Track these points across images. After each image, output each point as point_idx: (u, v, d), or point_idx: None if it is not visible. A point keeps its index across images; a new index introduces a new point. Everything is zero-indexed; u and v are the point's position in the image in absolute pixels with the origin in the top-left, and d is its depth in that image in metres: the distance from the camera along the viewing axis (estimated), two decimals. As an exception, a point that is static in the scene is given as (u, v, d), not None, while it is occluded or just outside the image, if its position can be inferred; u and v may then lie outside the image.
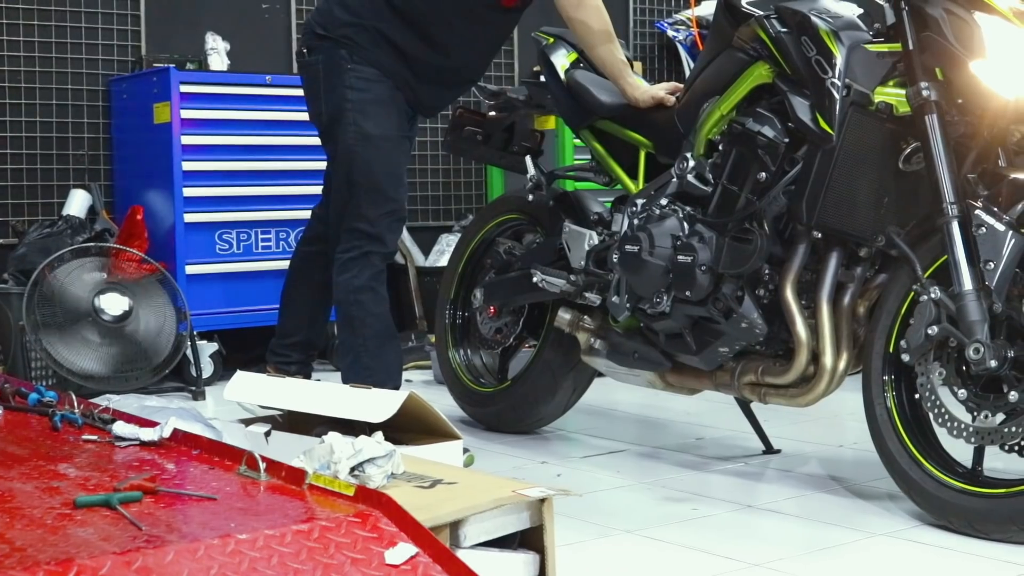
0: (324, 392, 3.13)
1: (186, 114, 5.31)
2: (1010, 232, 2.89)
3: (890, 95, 3.15)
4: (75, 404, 2.84)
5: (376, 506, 2.01)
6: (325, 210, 4.17)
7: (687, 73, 6.45)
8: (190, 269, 5.32)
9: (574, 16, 3.87)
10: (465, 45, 3.91)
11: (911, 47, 3.09)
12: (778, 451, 3.85)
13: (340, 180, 3.89)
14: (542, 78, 4.20)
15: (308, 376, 4.25)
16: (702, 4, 6.95)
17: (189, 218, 5.32)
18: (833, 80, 3.13)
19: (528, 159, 4.23)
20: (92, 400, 3.07)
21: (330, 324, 5.69)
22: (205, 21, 5.89)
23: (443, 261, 5.78)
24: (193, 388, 5.07)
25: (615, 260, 3.64)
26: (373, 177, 3.83)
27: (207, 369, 5.20)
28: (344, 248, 3.87)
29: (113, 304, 4.91)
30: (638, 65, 7.15)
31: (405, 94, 3.90)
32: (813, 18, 3.21)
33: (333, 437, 2.36)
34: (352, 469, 2.30)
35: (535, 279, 3.93)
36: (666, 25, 7.26)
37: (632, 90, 3.87)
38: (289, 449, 2.67)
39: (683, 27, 7.18)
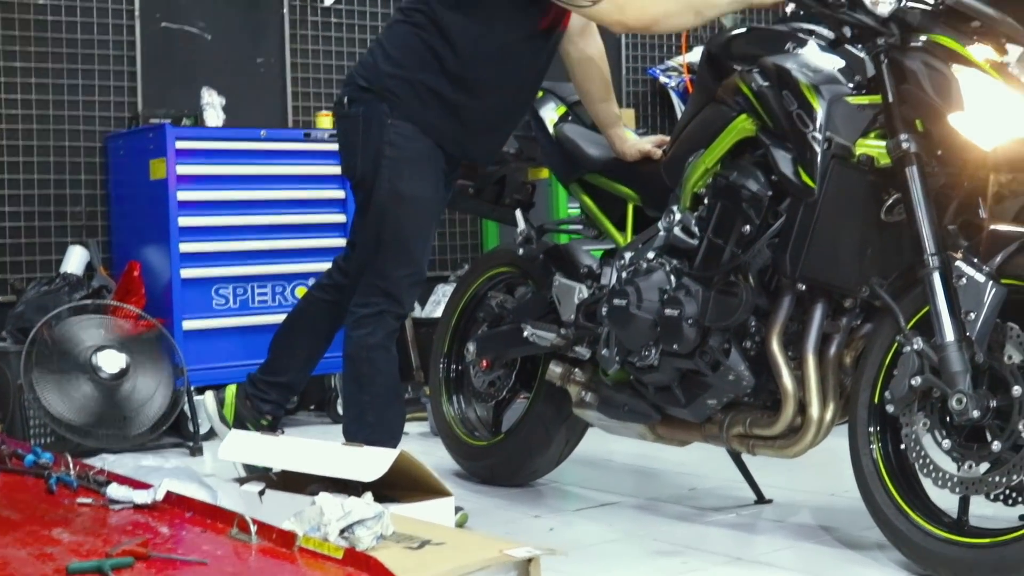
0: (316, 451, 3.17)
1: (182, 170, 5.35)
2: (990, 283, 2.93)
3: (871, 147, 3.19)
4: (71, 466, 2.88)
5: (364, 569, 2.05)
6: (348, 262, 4.09)
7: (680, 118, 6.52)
8: (187, 324, 5.36)
9: (580, 68, 3.96)
10: (513, 84, 3.84)
11: (891, 99, 3.13)
12: (769, 501, 3.88)
13: (368, 235, 3.83)
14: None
15: (279, 418, 4.20)
16: (693, 50, 7.02)
17: (186, 274, 5.36)
18: (814, 134, 3.17)
19: (518, 213, 4.27)
20: (88, 460, 3.10)
21: (327, 377, 5.79)
22: (201, 76, 5.94)
23: (439, 312, 5.80)
24: (191, 444, 5.10)
25: (604, 313, 3.68)
26: (402, 237, 3.77)
27: (204, 425, 5.22)
28: (361, 303, 3.81)
29: (110, 362, 4.94)
30: (631, 112, 7.22)
31: (450, 150, 3.83)
32: (794, 72, 3.25)
33: (323, 499, 2.40)
34: (342, 531, 2.33)
35: (525, 333, 3.96)
36: (658, 71, 7.33)
37: (620, 143, 3.93)
38: (282, 509, 2.70)
39: (675, 73, 7.25)
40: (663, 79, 7.29)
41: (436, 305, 6.23)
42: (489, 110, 3.82)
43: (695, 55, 6.96)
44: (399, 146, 3.73)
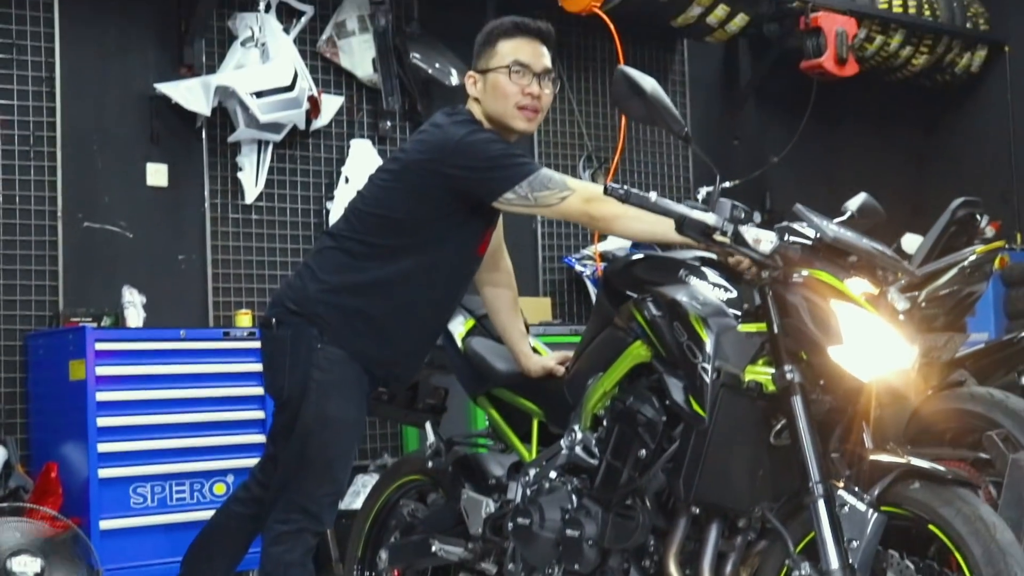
0: None
1: (101, 371, 5.42)
2: (871, 511, 3.07)
3: (760, 374, 3.32)
4: None
5: None
6: (266, 474, 4.13)
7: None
8: (104, 524, 5.38)
9: (490, 286, 4.12)
10: (442, 306, 3.97)
11: (776, 331, 3.29)
12: None
13: (292, 454, 3.87)
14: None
15: None
16: (607, 239, 7.24)
17: (104, 473, 5.39)
18: (704, 364, 3.31)
19: (428, 425, 4.37)
20: None
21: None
22: (122, 274, 6.06)
23: (358, 503, 5.86)
24: (106, 649, 5.11)
25: (509, 530, 3.77)
26: (326, 458, 3.83)
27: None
28: (281, 519, 3.85)
29: (25, 566, 4.95)
30: (547, 300, 7.40)
31: (378, 373, 3.92)
32: (684, 304, 3.39)
33: None
34: None
35: (433, 548, 4.05)
36: (573, 260, 7.53)
37: (525, 360, 4.06)
38: None
39: (589, 262, 7.46)
40: (578, 267, 7.50)
41: (356, 496, 6.27)
42: (418, 332, 3.94)
43: (608, 244, 7.19)
44: (327, 370, 3.80)
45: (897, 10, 8.68)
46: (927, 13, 8.87)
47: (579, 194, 3.63)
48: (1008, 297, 8.74)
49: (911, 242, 7.54)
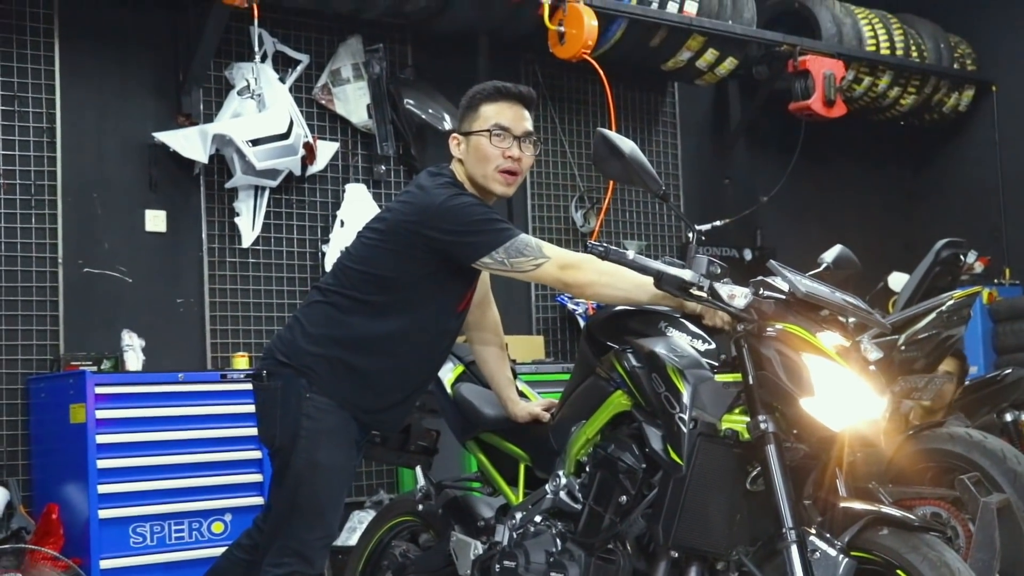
0: None
1: (101, 414, 5.55)
2: (841, 556, 3.18)
3: (736, 422, 3.43)
4: None
5: None
6: (267, 522, 4.22)
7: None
8: (104, 564, 5.49)
9: (477, 334, 4.25)
10: (428, 359, 4.07)
11: (750, 382, 3.40)
12: None
13: (283, 500, 3.98)
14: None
15: None
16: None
17: (104, 514, 5.51)
18: (681, 415, 3.42)
19: (418, 469, 4.48)
20: None
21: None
22: (122, 317, 6.19)
23: (354, 539, 5.96)
24: None
25: (496, 573, 3.88)
26: (316, 504, 3.93)
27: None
28: (274, 562, 3.95)
29: (27, 607, 5.08)
30: (540, 339, 7.52)
31: (365, 421, 4.02)
32: (662, 356, 3.51)
33: None
34: None
35: (423, 593, 4.17)
36: (566, 299, 7.66)
37: (512, 406, 4.18)
38: None
39: (583, 301, 7.57)
40: (571, 306, 7.63)
41: (352, 532, 6.38)
42: (405, 383, 4.05)
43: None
44: (316, 419, 3.91)
45: (884, 51, 8.83)
46: (915, 54, 9.02)
47: (554, 261, 3.74)
48: (996, 332, 8.87)
49: (897, 280, 7.68)
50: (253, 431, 5.84)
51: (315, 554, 3.96)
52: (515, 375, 4.36)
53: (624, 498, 3.59)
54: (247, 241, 6.66)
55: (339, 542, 6.38)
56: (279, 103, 6.56)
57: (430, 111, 7.10)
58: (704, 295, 3.43)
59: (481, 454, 4.30)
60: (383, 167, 7.16)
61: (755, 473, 3.44)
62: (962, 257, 5.58)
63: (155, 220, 6.44)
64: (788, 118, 8.41)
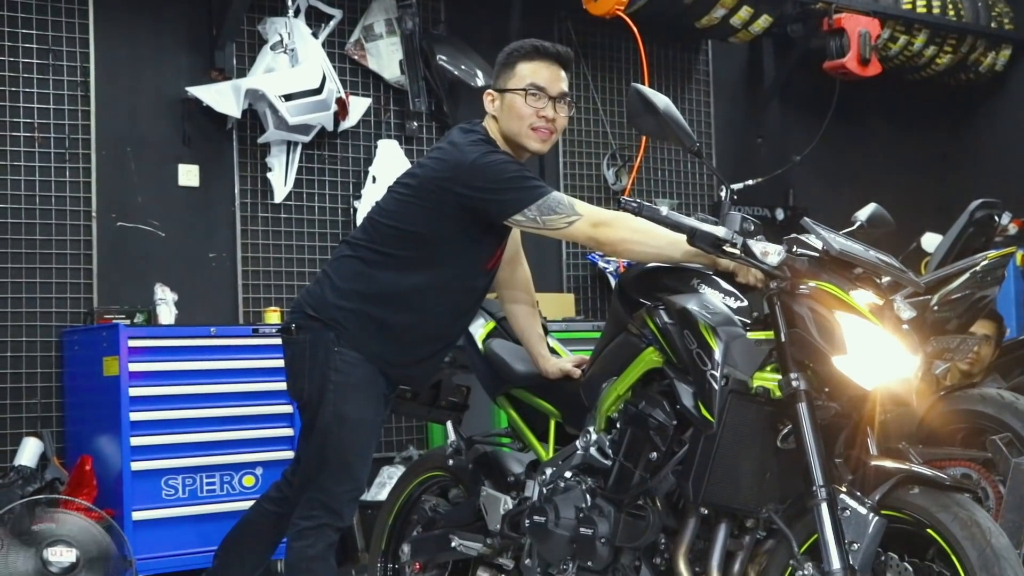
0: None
1: (134, 367, 5.58)
2: (871, 515, 3.18)
3: (767, 379, 3.44)
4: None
5: None
6: (296, 475, 4.28)
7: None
8: (137, 515, 5.54)
9: (508, 291, 4.26)
10: (456, 314, 4.09)
11: (782, 340, 3.40)
12: None
13: (312, 453, 4.03)
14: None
15: None
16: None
17: (136, 466, 5.55)
18: (712, 372, 3.42)
19: (449, 424, 4.51)
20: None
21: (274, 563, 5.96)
22: (154, 272, 6.21)
23: (384, 494, 6.00)
24: (138, 637, 5.27)
25: (526, 527, 3.91)
26: (344, 457, 3.97)
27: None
28: (303, 515, 4.00)
29: (60, 556, 5.11)
30: (571, 296, 7.52)
31: (393, 376, 4.06)
32: (694, 312, 3.50)
33: None
34: None
35: (453, 543, 4.19)
36: (597, 257, 7.64)
37: (543, 362, 4.19)
38: None
39: (613, 259, 7.56)
40: (602, 264, 7.61)
41: (381, 487, 6.41)
42: (433, 338, 4.07)
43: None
44: (344, 372, 3.95)
45: (921, 10, 8.74)
46: (951, 13, 8.92)
47: (586, 219, 3.74)
48: (1031, 294, 8.81)
49: (931, 241, 7.63)
50: (284, 385, 5.84)
51: (343, 507, 4.00)
52: (546, 332, 4.37)
53: (654, 455, 3.60)
54: (279, 196, 6.67)
55: (369, 497, 6.43)
56: (312, 58, 6.55)
57: (463, 67, 7.08)
58: (737, 252, 3.42)
59: (512, 410, 4.31)
60: (415, 123, 7.15)
61: (786, 431, 3.44)
62: (996, 218, 5.53)
63: (188, 175, 6.46)
64: (822, 77, 8.34)
